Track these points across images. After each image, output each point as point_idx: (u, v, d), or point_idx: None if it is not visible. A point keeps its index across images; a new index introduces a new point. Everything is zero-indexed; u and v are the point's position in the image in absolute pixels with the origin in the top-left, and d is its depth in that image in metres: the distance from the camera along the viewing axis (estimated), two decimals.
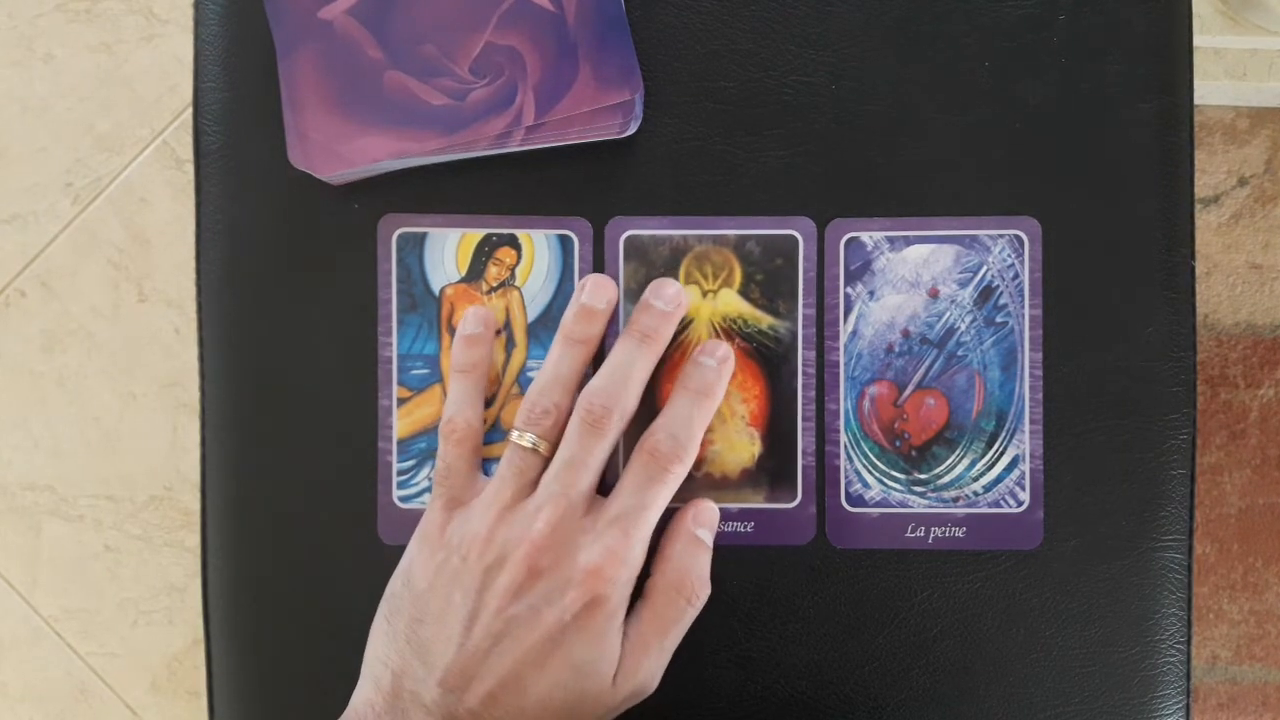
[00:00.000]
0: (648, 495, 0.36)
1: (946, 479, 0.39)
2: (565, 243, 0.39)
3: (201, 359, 0.40)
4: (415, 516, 0.38)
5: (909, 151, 0.39)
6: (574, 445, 0.36)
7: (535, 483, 0.36)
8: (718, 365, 0.37)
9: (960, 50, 0.39)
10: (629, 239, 0.39)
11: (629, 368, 0.36)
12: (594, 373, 0.37)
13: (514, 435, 0.37)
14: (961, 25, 0.39)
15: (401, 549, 0.37)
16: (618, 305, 0.39)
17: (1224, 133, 0.80)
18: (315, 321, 0.39)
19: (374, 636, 0.37)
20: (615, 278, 0.39)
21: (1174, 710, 0.40)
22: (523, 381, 0.39)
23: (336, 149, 0.38)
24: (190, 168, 0.41)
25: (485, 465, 0.39)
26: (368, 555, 0.39)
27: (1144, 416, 0.39)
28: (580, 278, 0.39)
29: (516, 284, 0.39)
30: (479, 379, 0.38)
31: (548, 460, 0.36)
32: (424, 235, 0.39)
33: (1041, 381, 0.39)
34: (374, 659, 0.36)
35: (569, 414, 0.37)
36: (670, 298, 0.38)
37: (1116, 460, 0.39)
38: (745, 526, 0.39)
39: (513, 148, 0.38)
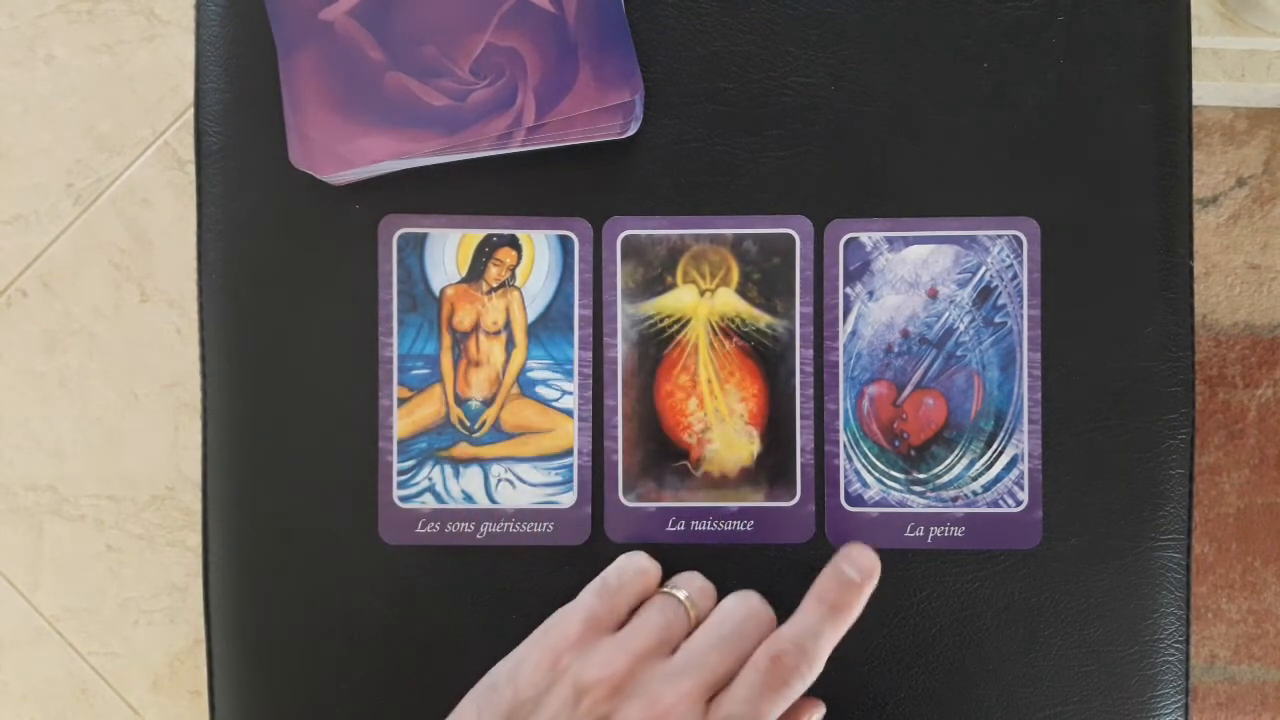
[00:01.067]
0: (764, 705, 0.34)
1: (945, 479, 0.39)
2: (565, 243, 0.39)
3: (203, 359, 0.40)
4: (416, 516, 0.38)
5: (908, 152, 0.39)
6: (724, 629, 0.34)
7: (676, 642, 0.35)
8: (860, 581, 0.35)
9: (959, 51, 0.39)
10: (626, 239, 0.39)
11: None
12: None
13: (672, 587, 0.36)
14: (960, 26, 0.39)
15: (402, 548, 0.38)
16: (615, 306, 0.39)
17: (1222, 133, 0.80)
18: (316, 322, 0.39)
19: (461, 715, 0.35)
20: (613, 277, 0.39)
21: (1172, 710, 0.40)
22: (522, 382, 0.39)
23: (337, 149, 0.38)
24: (191, 168, 0.41)
25: (484, 466, 0.39)
26: (369, 555, 0.39)
27: (1143, 416, 0.39)
28: (580, 278, 0.39)
29: (517, 284, 0.39)
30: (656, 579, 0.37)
31: (690, 620, 0.35)
32: (424, 236, 0.39)
33: (1040, 381, 0.39)
34: None
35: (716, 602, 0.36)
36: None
37: (1115, 460, 0.39)
38: (744, 525, 0.39)
39: (513, 148, 0.38)
